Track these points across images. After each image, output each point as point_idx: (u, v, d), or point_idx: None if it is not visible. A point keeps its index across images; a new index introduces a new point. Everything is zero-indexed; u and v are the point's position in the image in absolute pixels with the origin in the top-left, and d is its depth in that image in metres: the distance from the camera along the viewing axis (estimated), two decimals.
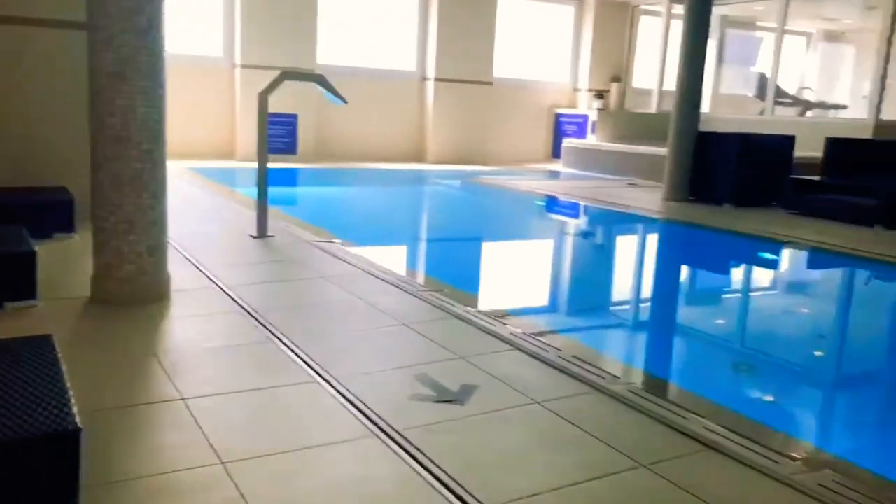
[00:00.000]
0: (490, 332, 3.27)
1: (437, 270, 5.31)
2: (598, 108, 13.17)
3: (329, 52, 11.43)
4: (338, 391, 2.53)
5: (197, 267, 4.18)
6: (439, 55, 12.00)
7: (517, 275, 5.48)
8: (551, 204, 8.79)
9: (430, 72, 12.11)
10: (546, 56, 13.69)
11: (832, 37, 15.08)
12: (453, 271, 5.17)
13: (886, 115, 10.97)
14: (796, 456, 2.19)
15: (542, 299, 4.81)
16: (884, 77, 10.60)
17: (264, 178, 5.13)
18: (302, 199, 8.95)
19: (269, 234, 5.20)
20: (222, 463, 1.99)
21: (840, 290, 5.76)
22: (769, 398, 3.19)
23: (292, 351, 2.91)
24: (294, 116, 10.78)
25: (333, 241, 5.24)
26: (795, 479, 2.04)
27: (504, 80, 12.93)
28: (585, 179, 10.71)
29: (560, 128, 13.56)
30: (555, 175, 11.58)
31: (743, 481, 2.04)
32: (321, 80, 5.03)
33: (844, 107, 13.68)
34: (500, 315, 3.69)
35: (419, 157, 12.26)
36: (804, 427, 2.85)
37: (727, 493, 1.97)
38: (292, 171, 10.17)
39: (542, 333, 3.40)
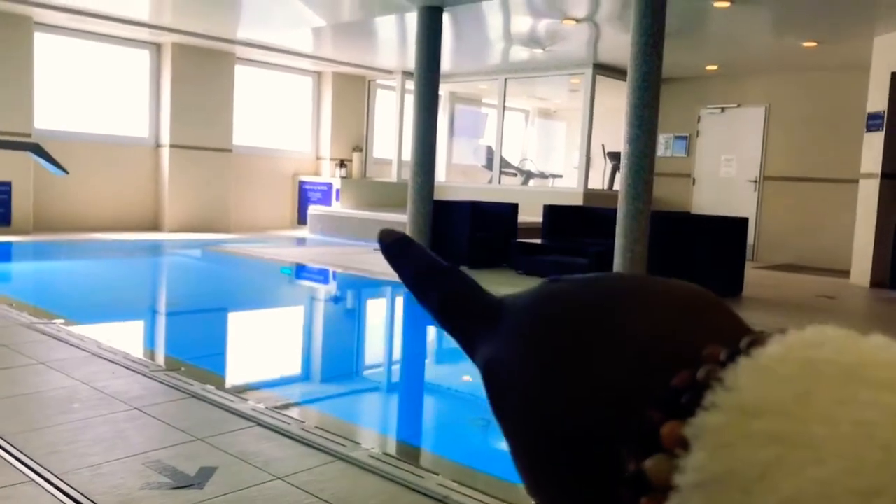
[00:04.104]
0: (230, 410, 3.19)
1: (174, 348, 5.07)
2: (342, 177, 13.51)
3: (51, 117, 10.59)
4: (58, 488, 2.32)
5: None
6: (174, 122, 11.62)
7: (261, 347, 5.39)
8: (296, 272, 8.80)
9: (165, 138, 11.67)
10: (288, 125, 13.82)
11: (546, 114, 16.92)
12: (192, 348, 4.96)
13: (593, 184, 12.49)
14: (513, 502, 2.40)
15: (287, 371, 4.78)
16: (588, 150, 12.09)
17: None
18: (17, 276, 8.09)
19: None
20: None
21: None
22: (502, 449, 3.45)
23: (4, 449, 2.62)
24: (7, 184, 9.79)
25: (55, 321, 4.80)
26: None
27: (245, 147, 12.82)
28: (331, 246, 10.86)
29: (305, 195, 13.67)
30: (301, 242, 11.61)
31: None
32: (37, 149, 4.66)
33: (560, 176, 15.31)
34: (242, 391, 3.62)
35: (156, 226, 11.68)
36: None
37: None
38: (5, 245, 9.18)
39: (285, 406, 3.38)
